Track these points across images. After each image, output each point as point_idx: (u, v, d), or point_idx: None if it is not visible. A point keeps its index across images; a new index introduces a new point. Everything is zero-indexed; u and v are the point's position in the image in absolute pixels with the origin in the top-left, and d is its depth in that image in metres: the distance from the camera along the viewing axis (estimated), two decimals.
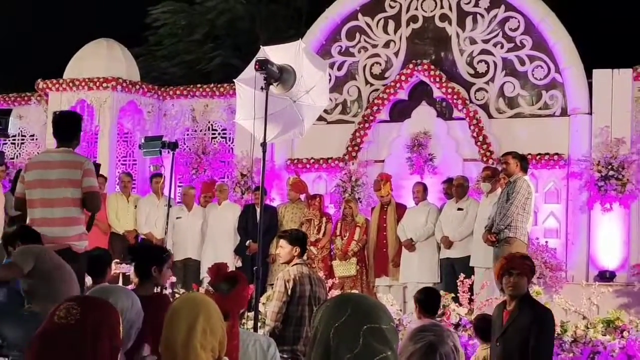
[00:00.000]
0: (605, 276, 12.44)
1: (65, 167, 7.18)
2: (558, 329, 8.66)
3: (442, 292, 9.42)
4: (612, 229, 12.84)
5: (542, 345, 6.33)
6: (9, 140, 15.35)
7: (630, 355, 8.46)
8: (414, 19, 14.25)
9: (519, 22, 13.79)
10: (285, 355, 6.75)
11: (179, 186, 14.88)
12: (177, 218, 13.02)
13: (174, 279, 10.18)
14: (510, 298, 6.47)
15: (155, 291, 5.62)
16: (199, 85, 15.41)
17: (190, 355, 3.21)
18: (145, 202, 13.23)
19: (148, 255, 5.59)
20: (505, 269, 6.45)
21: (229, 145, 15.00)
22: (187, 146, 15.00)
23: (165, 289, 8.76)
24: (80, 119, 7.54)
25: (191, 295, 3.61)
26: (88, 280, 7.65)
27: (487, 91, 13.85)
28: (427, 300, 7.47)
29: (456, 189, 11.99)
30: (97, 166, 7.93)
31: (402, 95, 14.13)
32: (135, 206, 13.17)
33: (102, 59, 14.89)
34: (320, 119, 12.42)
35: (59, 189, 7.16)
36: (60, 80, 14.81)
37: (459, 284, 9.46)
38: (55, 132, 7.40)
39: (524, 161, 10.51)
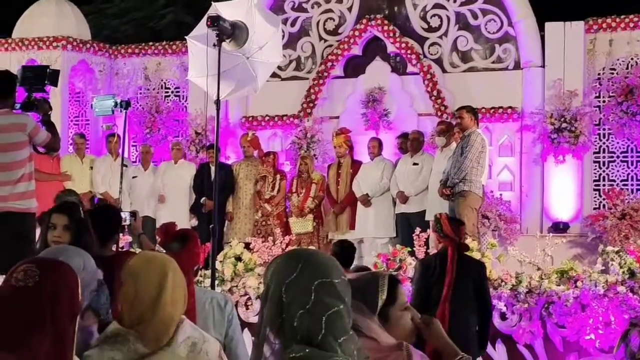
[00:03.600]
0: (559, 227, 12.60)
1: (8, 131, 7.14)
2: (513, 281, 8.77)
3: (398, 247, 9.51)
4: (565, 181, 12.97)
5: None
6: None
7: (584, 304, 8.59)
8: None
9: None
10: None
11: (132, 145, 14.78)
12: (133, 177, 12.98)
13: (129, 238, 10.12)
14: None
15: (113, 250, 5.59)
16: (150, 44, 15.24)
17: (160, 310, 3.22)
18: (101, 162, 13.15)
19: (110, 221, 5.50)
20: None
21: (183, 104, 14.90)
22: (140, 105, 14.87)
23: (122, 248, 8.71)
24: (14, 77, 7.46)
25: (151, 254, 3.59)
26: None
27: (440, 45, 13.85)
28: (342, 253, 7.62)
29: (411, 143, 12.03)
30: (55, 73, 7.82)
31: (356, 50, 14.10)
32: (91, 167, 13.07)
33: (51, 17, 14.65)
34: (274, 75, 12.35)
35: (4, 154, 7.13)
36: (9, 40, 14.57)
37: (415, 238, 9.51)
38: None
39: (477, 115, 10.62)
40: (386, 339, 3.13)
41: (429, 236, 9.58)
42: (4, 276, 2.88)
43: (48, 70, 7.76)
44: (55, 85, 7.90)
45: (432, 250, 8.38)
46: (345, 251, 7.96)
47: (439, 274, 7.31)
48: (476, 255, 8.99)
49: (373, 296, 3.24)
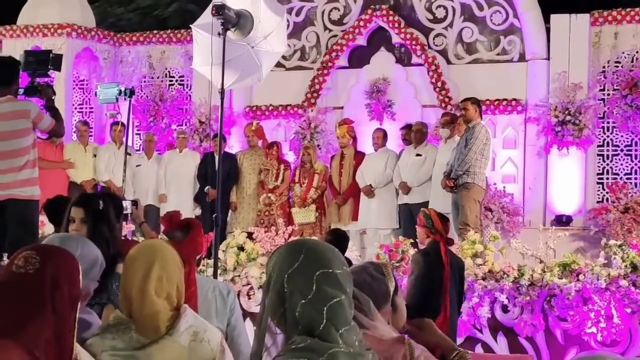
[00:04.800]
0: (562, 220, 12.58)
1: (12, 119, 7.15)
2: (515, 273, 8.77)
3: (400, 238, 9.50)
4: (569, 174, 12.95)
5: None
6: None
7: (586, 297, 8.58)
8: None
9: None
10: None
11: (136, 134, 14.79)
12: (137, 166, 12.99)
13: (132, 227, 10.13)
14: None
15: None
16: (155, 32, 15.22)
17: (145, 301, 3.21)
18: (104, 150, 13.16)
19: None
20: None
21: (187, 92, 14.89)
22: (144, 93, 14.87)
23: (125, 236, 8.72)
24: (17, 63, 7.46)
25: (148, 242, 3.60)
26: (49, 228, 7.61)
27: (445, 37, 13.82)
28: (335, 243, 7.63)
29: (415, 134, 12.02)
30: (58, 57, 7.82)
31: (361, 41, 14.07)
32: (94, 155, 13.08)
33: (56, 4, 14.63)
34: (279, 65, 12.32)
35: (7, 142, 7.13)
36: (14, 27, 14.57)
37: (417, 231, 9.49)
38: None
39: (481, 107, 10.63)
40: (388, 334, 3.14)
41: None
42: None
43: (51, 55, 7.76)
44: (59, 70, 7.91)
45: (419, 245, 8.35)
46: (339, 240, 7.96)
47: (436, 267, 7.34)
48: (478, 247, 9.00)
49: (386, 287, 3.28)
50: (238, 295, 8.36)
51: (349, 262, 6.94)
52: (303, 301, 2.42)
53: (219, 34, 7.35)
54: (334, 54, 14.01)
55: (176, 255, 3.39)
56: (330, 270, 2.46)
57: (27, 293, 2.75)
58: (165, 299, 3.25)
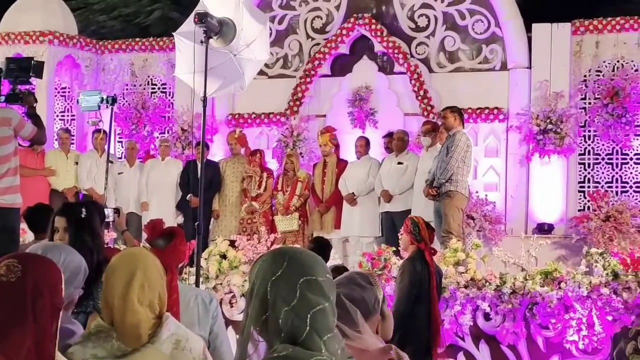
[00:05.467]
0: (544, 229, 12.63)
1: None
2: (497, 281, 8.79)
3: (383, 246, 9.51)
4: (550, 182, 13.00)
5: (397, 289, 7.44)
6: None
7: (567, 305, 8.60)
8: None
9: None
10: None
11: (118, 141, 14.75)
12: (119, 173, 12.96)
13: (114, 234, 10.09)
14: None
15: None
16: (137, 39, 15.20)
17: (127, 309, 3.19)
18: (86, 158, 13.12)
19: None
20: None
21: (169, 100, 14.87)
22: (126, 101, 14.85)
23: (107, 244, 8.68)
24: None
25: (130, 251, 3.58)
26: (30, 235, 7.58)
27: (427, 45, 13.87)
28: (317, 251, 7.63)
29: (396, 142, 12.04)
30: (40, 64, 7.81)
31: (344, 49, 14.10)
32: (76, 162, 13.04)
33: (38, 12, 14.58)
34: (261, 73, 12.34)
35: None
36: None
37: (399, 237, 9.50)
38: None
39: (462, 115, 10.67)
40: (374, 345, 3.14)
41: None
42: None
43: (33, 62, 7.73)
44: (40, 77, 7.88)
45: (401, 251, 8.37)
46: (321, 248, 7.97)
47: (424, 275, 7.38)
48: (460, 255, 9.02)
49: (375, 297, 3.29)
50: (220, 303, 8.33)
51: (344, 269, 6.95)
52: (286, 308, 2.41)
53: (201, 41, 7.34)
54: (316, 62, 14.03)
55: (158, 263, 3.37)
56: (314, 278, 2.46)
57: (9, 301, 2.74)
58: (148, 306, 3.24)
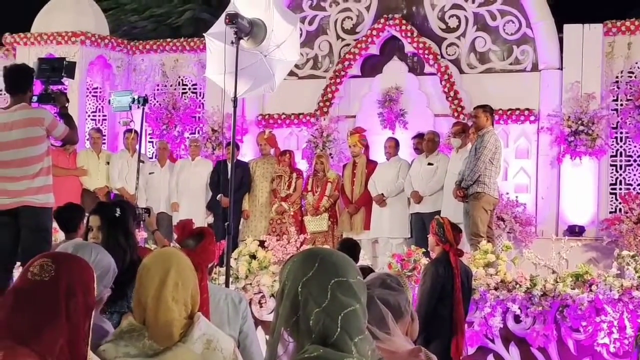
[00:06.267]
0: (575, 231, 12.55)
1: (26, 126, 7.17)
2: (528, 283, 8.75)
3: (413, 247, 9.49)
4: (581, 184, 12.92)
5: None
6: None
7: (598, 308, 8.56)
8: None
9: None
10: None
11: (149, 141, 14.83)
12: (149, 173, 13.01)
13: (145, 234, 10.15)
14: None
15: None
16: (168, 40, 15.27)
17: (160, 307, 3.21)
18: (117, 158, 13.18)
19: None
20: None
21: (200, 101, 14.92)
22: (157, 101, 14.92)
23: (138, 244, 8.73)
24: (30, 71, 7.49)
25: (163, 250, 3.60)
26: (61, 235, 7.64)
27: (458, 46, 13.82)
28: (346, 252, 7.61)
29: (426, 144, 12.00)
30: (72, 65, 7.85)
31: (374, 50, 14.08)
32: (108, 162, 13.11)
33: (70, 12, 14.69)
34: (291, 74, 12.35)
35: (21, 150, 7.17)
36: (28, 35, 14.64)
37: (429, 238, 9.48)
38: (7, 87, 7.38)
39: (493, 114, 10.64)
40: (403, 347, 3.14)
41: None
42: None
43: (65, 62, 7.79)
44: (72, 77, 7.94)
45: (431, 253, 8.35)
46: (350, 249, 7.94)
47: (448, 277, 7.37)
48: (490, 257, 8.98)
49: (405, 299, 3.30)
50: (250, 303, 8.35)
51: (370, 270, 6.95)
52: (317, 309, 2.41)
53: (232, 42, 7.36)
54: (346, 62, 14.02)
55: (190, 262, 3.39)
56: (345, 279, 2.46)
57: (42, 300, 2.76)
58: (181, 305, 3.26)
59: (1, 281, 6.92)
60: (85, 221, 7.18)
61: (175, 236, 4.69)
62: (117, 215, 4.88)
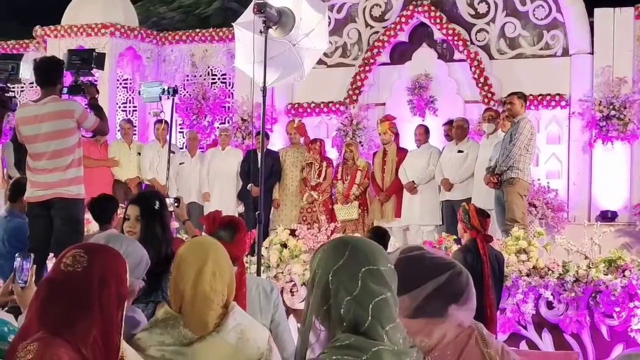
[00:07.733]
0: (607, 216, 12.47)
1: (57, 119, 7.22)
2: (560, 269, 8.70)
3: (444, 234, 9.46)
4: (614, 169, 12.83)
5: None
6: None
7: (632, 294, 8.49)
8: None
9: None
10: None
11: (179, 132, 14.88)
12: (180, 164, 13.05)
13: (176, 224, 10.18)
14: None
15: None
16: (197, 30, 15.33)
17: (198, 295, 3.24)
18: (148, 148, 13.24)
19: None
20: None
21: (229, 90, 14.95)
22: (187, 92, 14.97)
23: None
24: (60, 63, 7.53)
25: (199, 239, 3.62)
26: (94, 226, 7.69)
27: (487, 32, 13.75)
28: (375, 240, 7.59)
29: (456, 130, 11.95)
30: (101, 56, 7.90)
31: (403, 37, 14.04)
32: (139, 153, 13.17)
33: (99, 4, 14.77)
34: (320, 62, 12.34)
35: (53, 141, 7.22)
36: (59, 27, 14.73)
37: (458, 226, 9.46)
38: (38, 79, 7.42)
39: (526, 101, 10.60)
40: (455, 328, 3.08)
41: None
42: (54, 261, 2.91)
43: (94, 53, 7.83)
44: (102, 68, 7.98)
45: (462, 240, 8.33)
46: (380, 237, 7.93)
47: (476, 264, 7.33)
48: (522, 243, 8.93)
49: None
50: (281, 292, 8.37)
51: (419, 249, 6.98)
52: (348, 298, 2.41)
53: (260, 31, 7.36)
54: (375, 50, 13.99)
55: (226, 252, 3.41)
56: (376, 267, 2.46)
57: (75, 291, 2.78)
58: (218, 294, 3.28)
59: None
60: (118, 212, 7.23)
61: (204, 227, 4.69)
62: (156, 207, 4.88)
